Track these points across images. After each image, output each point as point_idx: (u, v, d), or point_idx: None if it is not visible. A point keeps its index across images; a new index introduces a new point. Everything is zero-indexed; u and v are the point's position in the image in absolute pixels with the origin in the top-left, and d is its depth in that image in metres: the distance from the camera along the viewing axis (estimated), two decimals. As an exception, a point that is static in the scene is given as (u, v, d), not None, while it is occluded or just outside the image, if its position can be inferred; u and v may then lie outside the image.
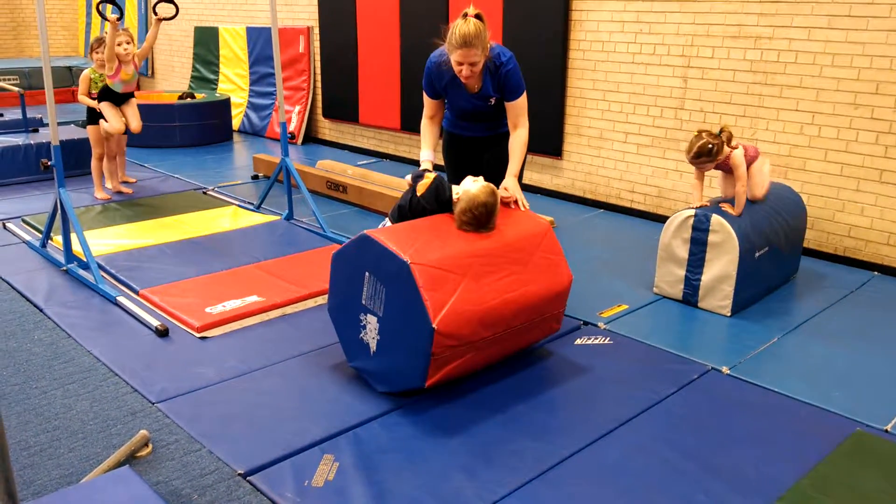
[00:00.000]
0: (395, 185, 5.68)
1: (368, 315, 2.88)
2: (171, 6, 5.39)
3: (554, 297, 3.11)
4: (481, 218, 2.97)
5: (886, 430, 2.78)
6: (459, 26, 3.17)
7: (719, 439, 2.72)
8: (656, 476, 2.50)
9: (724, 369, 3.23)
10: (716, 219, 3.71)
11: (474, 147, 3.68)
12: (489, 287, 2.85)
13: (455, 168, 3.71)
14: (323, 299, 3.86)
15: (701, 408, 2.93)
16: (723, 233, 3.68)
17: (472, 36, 3.14)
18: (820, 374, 3.22)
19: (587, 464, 2.56)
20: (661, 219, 5.00)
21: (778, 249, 4.00)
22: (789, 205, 4.20)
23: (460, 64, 3.23)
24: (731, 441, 2.71)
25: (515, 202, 3.31)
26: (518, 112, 3.44)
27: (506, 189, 3.30)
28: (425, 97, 3.58)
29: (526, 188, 6.25)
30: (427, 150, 3.52)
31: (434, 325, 2.63)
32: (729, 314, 3.77)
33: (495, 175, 3.37)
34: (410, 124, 7.04)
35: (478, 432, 2.73)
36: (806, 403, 2.97)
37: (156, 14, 5.41)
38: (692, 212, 3.79)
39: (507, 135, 3.53)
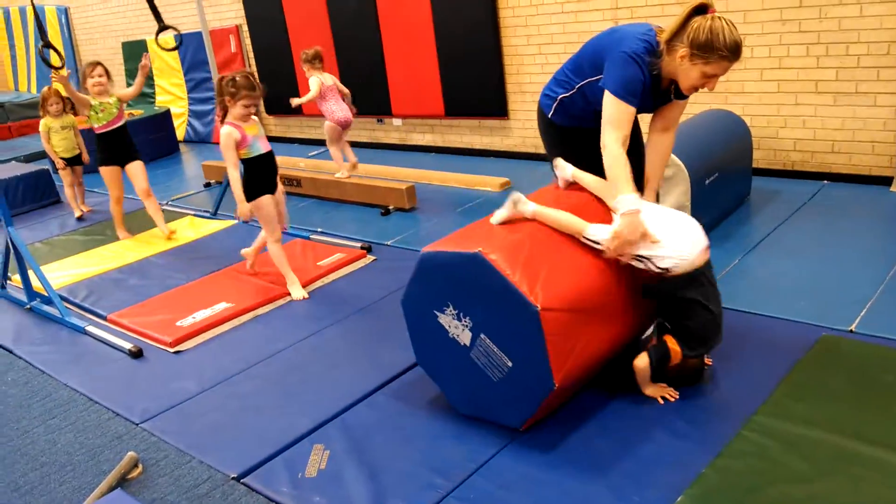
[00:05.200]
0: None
1: (462, 323, 2.51)
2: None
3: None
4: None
5: (851, 331, 2.88)
6: (725, 31, 2.36)
7: (694, 366, 2.78)
8: (634, 412, 2.56)
9: (692, 298, 3.29)
10: (663, 153, 3.74)
11: (594, 139, 2.65)
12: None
13: (577, 161, 2.84)
14: (291, 297, 3.87)
15: (673, 338, 2.99)
16: (673, 166, 3.73)
17: (742, 42, 2.43)
18: (784, 287, 3.30)
19: (567, 415, 2.61)
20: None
21: (727, 174, 4.06)
22: (733, 128, 4.27)
23: (713, 76, 2.46)
24: (706, 365, 2.78)
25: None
26: (681, 112, 2.84)
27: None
28: (627, 110, 2.52)
29: (477, 152, 6.34)
30: (630, 189, 2.48)
31: (537, 306, 2.29)
32: (690, 244, 3.83)
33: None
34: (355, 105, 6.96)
35: (461, 398, 2.76)
36: (774, 318, 3.05)
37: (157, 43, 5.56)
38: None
39: None
